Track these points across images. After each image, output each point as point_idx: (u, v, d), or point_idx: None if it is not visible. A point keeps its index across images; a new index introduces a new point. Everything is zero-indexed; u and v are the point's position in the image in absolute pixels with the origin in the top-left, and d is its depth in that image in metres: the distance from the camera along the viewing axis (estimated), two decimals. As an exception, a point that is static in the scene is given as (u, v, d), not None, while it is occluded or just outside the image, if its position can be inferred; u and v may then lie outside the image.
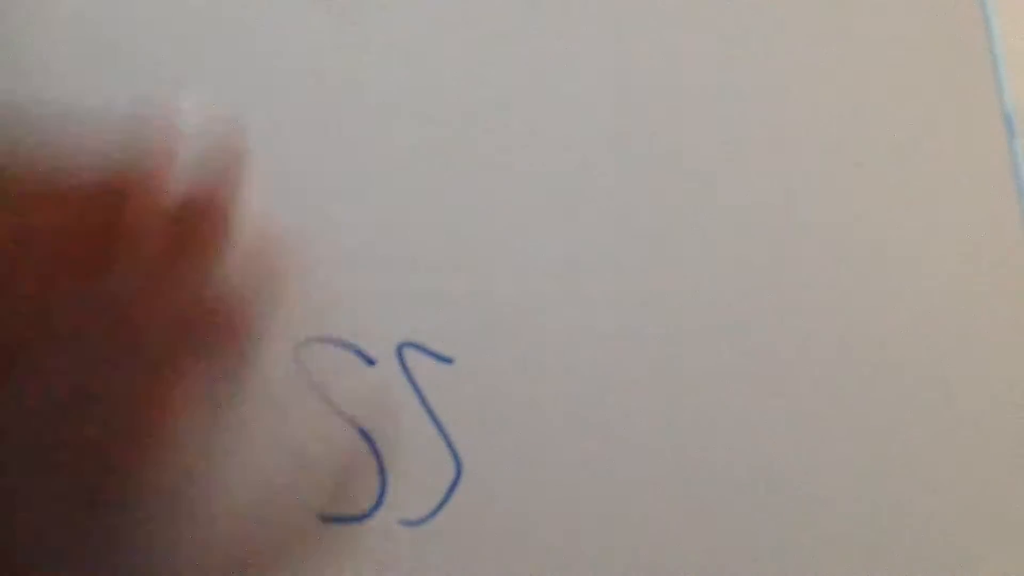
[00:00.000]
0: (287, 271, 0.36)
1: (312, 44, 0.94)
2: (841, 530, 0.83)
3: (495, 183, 0.89)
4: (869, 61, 0.90)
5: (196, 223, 0.32)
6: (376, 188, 0.91)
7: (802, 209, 0.88)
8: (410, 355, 0.86)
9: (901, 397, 0.85)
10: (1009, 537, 0.82)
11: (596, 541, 0.82)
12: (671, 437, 0.85)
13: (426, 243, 0.88)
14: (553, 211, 0.89)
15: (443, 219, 0.89)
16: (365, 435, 0.77)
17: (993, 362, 0.85)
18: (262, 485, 0.80)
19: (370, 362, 0.81)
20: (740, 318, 0.88)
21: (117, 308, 0.30)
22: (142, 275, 0.30)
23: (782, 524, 0.83)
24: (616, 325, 0.86)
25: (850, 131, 0.89)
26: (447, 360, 0.85)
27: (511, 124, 0.90)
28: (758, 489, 0.83)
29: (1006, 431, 0.84)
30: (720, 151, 0.89)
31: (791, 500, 0.83)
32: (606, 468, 0.84)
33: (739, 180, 0.89)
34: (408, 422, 0.84)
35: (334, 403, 0.78)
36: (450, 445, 0.84)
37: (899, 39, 0.90)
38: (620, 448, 0.85)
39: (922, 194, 0.89)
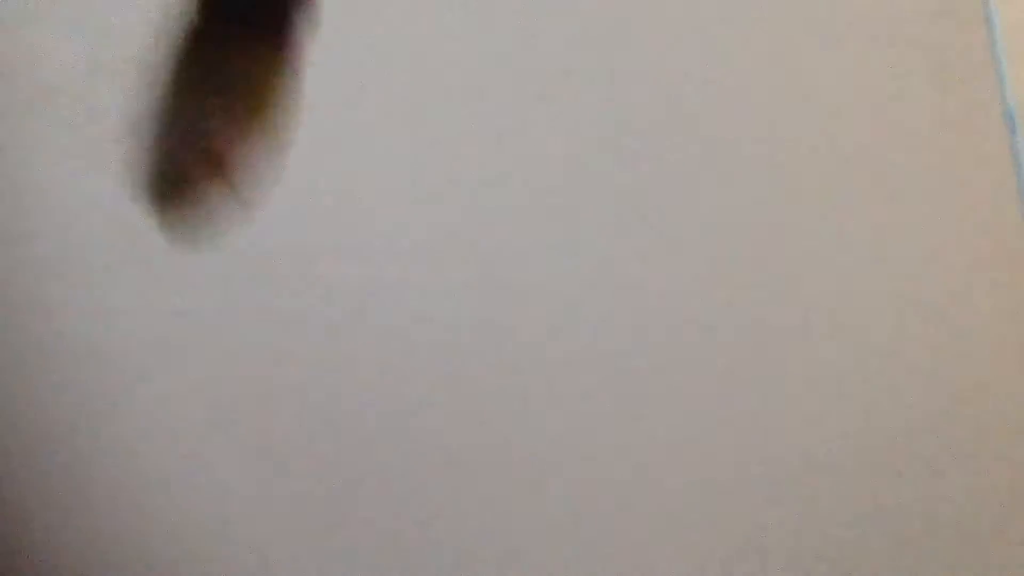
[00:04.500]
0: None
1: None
2: (838, 527, 0.83)
3: (490, 182, 0.90)
4: (871, 59, 0.90)
5: None
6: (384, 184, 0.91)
7: (802, 206, 0.88)
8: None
9: (901, 394, 0.85)
10: (1007, 532, 0.82)
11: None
12: (672, 439, 0.85)
13: (419, 233, 0.89)
14: (551, 210, 0.89)
15: (439, 212, 0.89)
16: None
17: (993, 354, 0.85)
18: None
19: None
20: (739, 317, 0.88)
21: None
22: None
23: (778, 524, 0.83)
24: (617, 324, 0.87)
25: (852, 128, 0.89)
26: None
27: (508, 121, 0.91)
28: (757, 485, 0.84)
29: (1006, 428, 0.84)
30: (720, 150, 0.90)
31: (787, 499, 0.84)
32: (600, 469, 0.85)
33: (739, 179, 0.89)
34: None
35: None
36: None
37: (902, 37, 0.91)
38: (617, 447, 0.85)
39: (924, 189, 0.89)
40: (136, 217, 0.90)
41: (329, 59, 0.93)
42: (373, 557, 0.83)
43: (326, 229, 0.88)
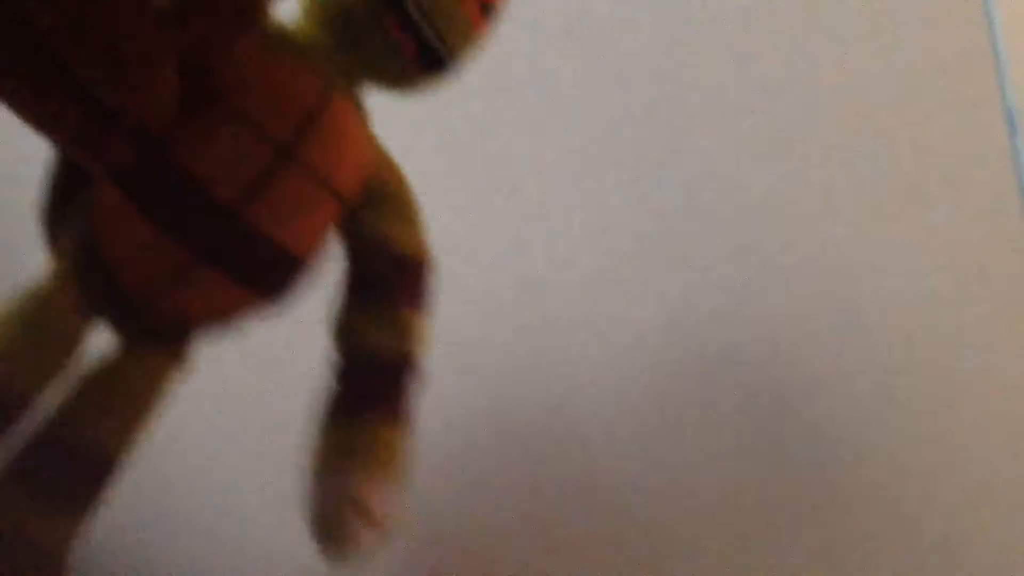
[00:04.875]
0: None
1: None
2: (834, 526, 0.83)
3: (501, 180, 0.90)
4: (872, 60, 0.90)
5: None
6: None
7: (801, 205, 0.89)
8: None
9: (901, 394, 0.86)
10: (1004, 532, 0.82)
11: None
12: (673, 435, 0.85)
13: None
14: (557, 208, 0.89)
15: (443, 212, 0.89)
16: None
17: (993, 354, 0.85)
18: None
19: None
20: (738, 317, 0.88)
21: None
22: None
23: (774, 520, 0.84)
24: (620, 319, 0.87)
25: (852, 129, 0.90)
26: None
27: (511, 120, 0.91)
28: (752, 481, 0.84)
29: (1005, 429, 0.85)
30: (721, 150, 0.90)
31: (782, 496, 0.84)
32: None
33: (739, 179, 0.90)
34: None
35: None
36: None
37: (903, 38, 0.91)
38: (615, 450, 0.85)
39: (924, 190, 0.89)
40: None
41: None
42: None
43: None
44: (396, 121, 0.77)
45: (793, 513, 0.83)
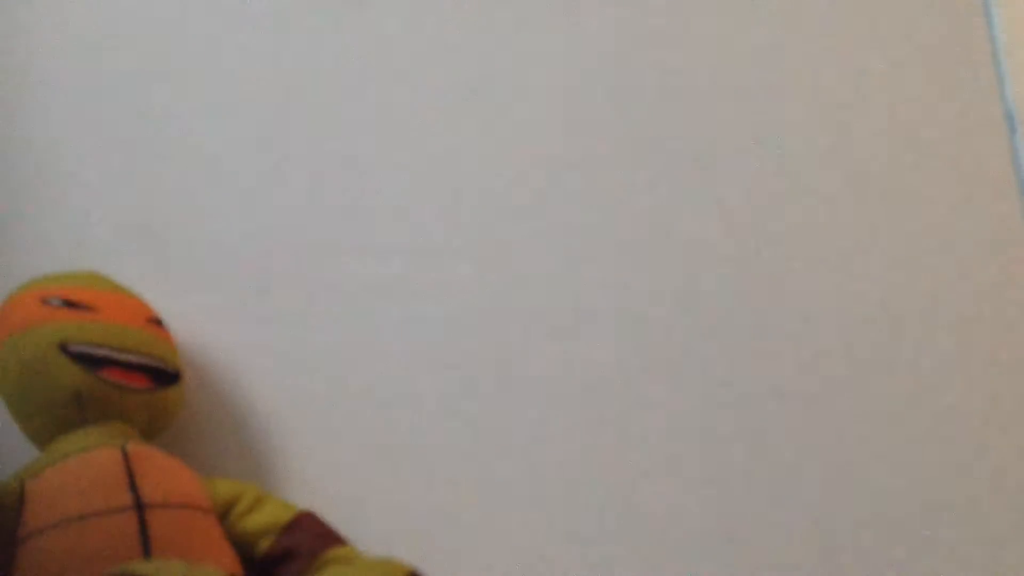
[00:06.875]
0: None
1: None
2: (833, 525, 0.83)
3: (490, 176, 0.90)
4: (872, 58, 0.90)
5: None
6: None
7: (801, 206, 0.88)
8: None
9: (901, 394, 0.85)
10: (1004, 532, 0.82)
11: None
12: (676, 436, 0.85)
13: (420, 234, 0.89)
14: (553, 205, 0.89)
15: (445, 210, 0.89)
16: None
17: (993, 352, 0.85)
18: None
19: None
20: (739, 318, 0.88)
21: None
22: None
23: (772, 516, 0.83)
24: (618, 319, 0.87)
25: (852, 129, 0.89)
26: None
27: (511, 117, 0.91)
28: (756, 480, 0.84)
29: (1005, 428, 0.84)
30: (721, 149, 0.90)
31: (784, 494, 0.84)
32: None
33: (739, 179, 0.90)
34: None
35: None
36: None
37: (903, 37, 0.91)
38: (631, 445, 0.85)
39: (924, 188, 0.89)
40: (142, 219, 0.89)
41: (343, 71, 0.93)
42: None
43: (329, 229, 0.88)
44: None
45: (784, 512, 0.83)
